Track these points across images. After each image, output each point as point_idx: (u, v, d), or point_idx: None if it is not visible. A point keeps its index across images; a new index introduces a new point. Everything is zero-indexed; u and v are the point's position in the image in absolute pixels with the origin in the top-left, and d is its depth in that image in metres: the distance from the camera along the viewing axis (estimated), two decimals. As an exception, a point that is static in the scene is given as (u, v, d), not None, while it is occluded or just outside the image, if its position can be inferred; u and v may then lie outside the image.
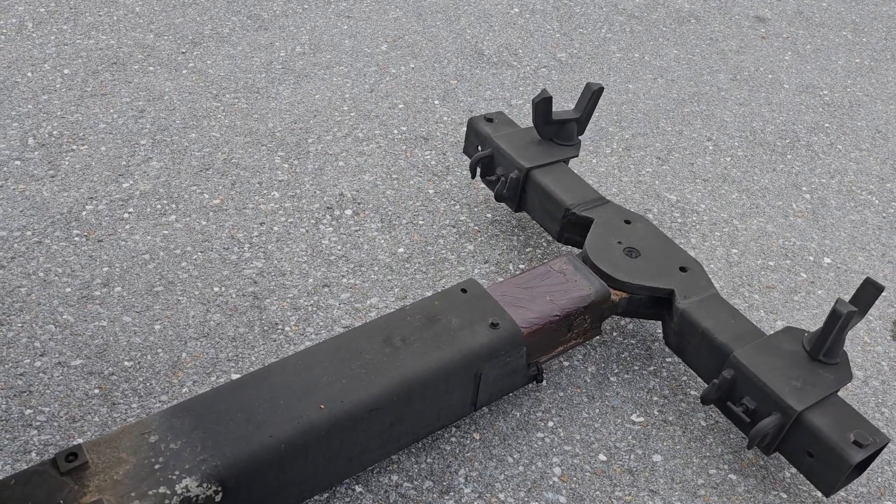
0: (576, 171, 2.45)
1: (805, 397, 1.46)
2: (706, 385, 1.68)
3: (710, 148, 2.66)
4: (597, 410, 1.73)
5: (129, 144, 2.32)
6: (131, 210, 2.09)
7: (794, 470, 1.65)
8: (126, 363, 1.69)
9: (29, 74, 2.55)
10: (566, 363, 1.83)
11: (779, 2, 3.75)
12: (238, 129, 2.44)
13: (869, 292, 1.53)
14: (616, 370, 1.83)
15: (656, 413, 1.74)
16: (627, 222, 1.86)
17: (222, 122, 2.46)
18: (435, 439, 1.62)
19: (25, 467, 1.37)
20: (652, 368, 1.84)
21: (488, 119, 2.15)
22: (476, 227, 2.18)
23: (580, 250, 1.89)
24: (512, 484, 1.55)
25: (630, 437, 1.68)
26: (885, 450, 1.72)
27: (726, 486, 1.61)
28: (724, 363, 1.57)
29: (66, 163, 2.21)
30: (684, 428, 1.71)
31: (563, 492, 1.55)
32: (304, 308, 1.87)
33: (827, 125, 2.87)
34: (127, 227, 2.03)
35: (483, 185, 2.32)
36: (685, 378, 1.83)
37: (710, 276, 1.75)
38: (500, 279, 2.01)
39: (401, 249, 2.07)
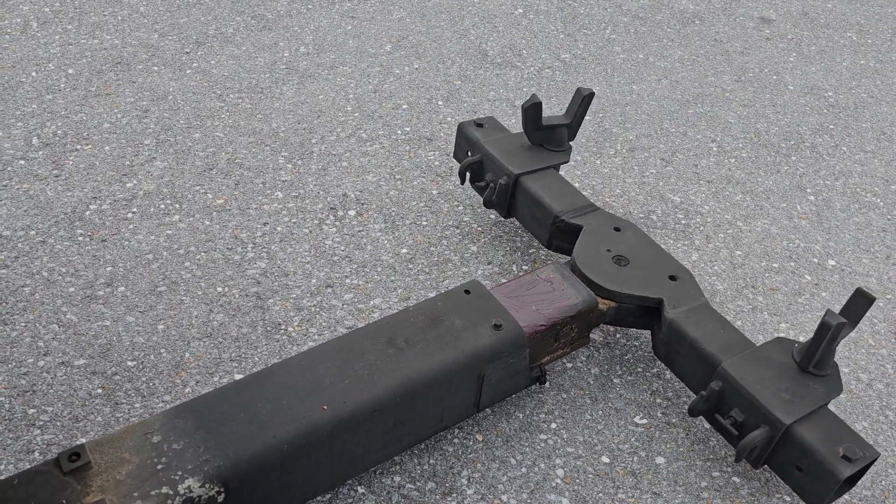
0: (579, 173, 2.45)
1: (794, 410, 1.44)
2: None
3: (715, 149, 2.66)
4: (600, 412, 1.72)
5: (132, 144, 2.32)
6: (135, 210, 2.09)
7: (797, 473, 1.65)
8: (129, 363, 1.69)
9: (33, 74, 2.55)
10: (569, 365, 1.82)
11: (783, 3, 3.75)
12: (242, 129, 2.44)
13: (860, 303, 1.49)
14: (619, 372, 1.82)
15: (660, 415, 1.73)
16: (617, 230, 1.84)
17: (226, 122, 2.46)
18: (438, 440, 1.62)
19: (28, 467, 1.37)
20: (655, 370, 1.84)
21: (478, 124, 2.12)
22: (479, 229, 2.18)
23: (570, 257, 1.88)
24: (514, 485, 1.55)
25: (633, 440, 1.67)
26: (890, 453, 1.71)
27: (730, 488, 1.60)
28: (713, 374, 1.54)
29: (70, 162, 2.21)
30: (688, 430, 1.71)
31: (566, 494, 1.55)
32: (307, 308, 1.87)
33: (831, 127, 2.86)
34: (130, 226, 2.03)
35: (486, 186, 2.32)
36: (689, 380, 1.83)
37: (699, 285, 1.72)
38: (504, 280, 2.00)
39: (404, 250, 2.07)
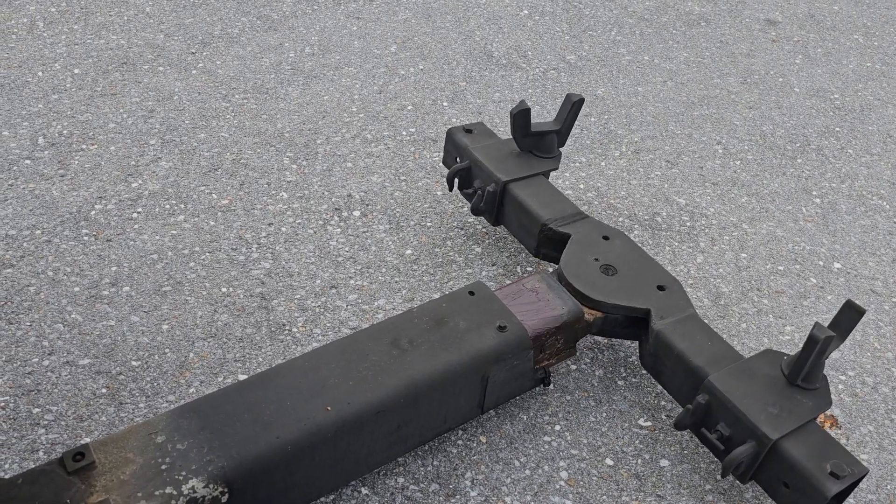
0: (584, 174, 2.44)
1: (781, 425, 1.41)
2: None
3: (720, 151, 2.65)
4: (604, 414, 1.72)
5: (138, 144, 2.32)
6: (140, 210, 2.09)
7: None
8: (134, 363, 1.69)
9: (39, 74, 2.56)
10: (573, 367, 1.82)
11: (790, 5, 3.74)
12: (247, 129, 2.44)
13: (849, 316, 1.47)
14: (624, 374, 1.82)
15: (664, 417, 1.73)
16: (606, 238, 1.80)
17: (231, 122, 2.46)
18: (441, 442, 1.62)
19: (33, 466, 1.38)
20: (660, 373, 1.83)
21: (467, 130, 2.09)
22: (484, 230, 2.17)
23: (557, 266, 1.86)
24: (518, 487, 1.55)
25: (637, 442, 1.67)
26: (895, 457, 1.71)
27: (734, 491, 1.60)
28: (699, 387, 1.51)
29: (76, 162, 2.22)
30: (692, 433, 1.70)
31: (570, 496, 1.55)
32: (311, 309, 1.87)
33: (838, 129, 2.86)
34: (136, 226, 2.04)
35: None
36: (693, 383, 1.82)
37: (688, 296, 1.68)
38: (508, 282, 2.00)
39: (408, 251, 2.07)
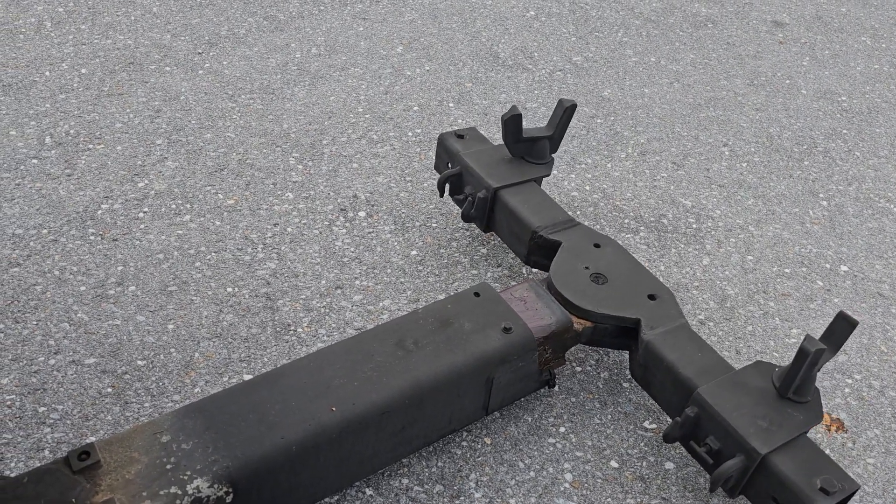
0: (590, 176, 2.44)
1: (771, 439, 1.38)
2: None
3: (727, 153, 2.64)
4: (609, 416, 1.72)
5: (144, 144, 2.33)
6: (146, 209, 2.10)
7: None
8: (139, 362, 1.70)
9: (47, 73, 2.57)
10: (578, 369, 1.82)
11: (797, 7, 3.73)
12: (253, 129, 2.45)
13: (842, 327, 1.45)
14: (629, 376, 1.81)
15: (669, 420, 1.72)
16: (597, 246, 1.78)
17: (237, 122, 2.47)
18: (446, 443, 1.62)
19: (38, 465, 1.38)
20: (665, 375, 1.83)
21: (459, 135, 2.06)
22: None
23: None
24: (523, 489, 1.55)
25: (642, 444, 1.67)
26: (902, 461, 1.70)
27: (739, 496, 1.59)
28: (689, 400, 1.48)
29: (83, 162, 2.23)
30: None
31: (575, 498, 1.54)
32: (316, 309, 1.87)
33: (845, 131, 2.84)
34: (142, 226, 2.04)
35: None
36: (699, 385, 1.81)
37: (679, 305, 1.65)
38: (514, 283, 2.00)
39: (414, 252, 2.07)
